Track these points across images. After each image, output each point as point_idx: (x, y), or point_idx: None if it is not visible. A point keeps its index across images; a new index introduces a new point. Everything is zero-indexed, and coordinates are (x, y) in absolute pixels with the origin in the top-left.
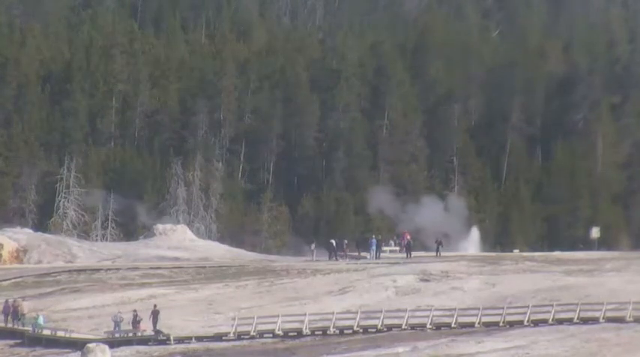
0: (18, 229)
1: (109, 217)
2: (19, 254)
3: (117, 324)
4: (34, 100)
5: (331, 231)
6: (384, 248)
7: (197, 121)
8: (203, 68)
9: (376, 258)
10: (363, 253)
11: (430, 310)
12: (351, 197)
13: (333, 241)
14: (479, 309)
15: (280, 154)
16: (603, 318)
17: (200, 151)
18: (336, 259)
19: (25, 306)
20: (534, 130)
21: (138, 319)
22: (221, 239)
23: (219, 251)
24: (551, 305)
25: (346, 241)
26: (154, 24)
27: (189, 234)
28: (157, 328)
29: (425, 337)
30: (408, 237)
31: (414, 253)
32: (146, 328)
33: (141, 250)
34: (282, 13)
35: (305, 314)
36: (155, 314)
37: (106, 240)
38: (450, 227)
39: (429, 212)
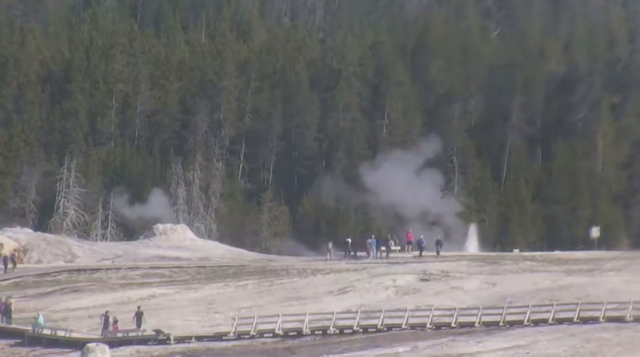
0: (18, 228)
1: (109, 217)
2: (19, 254)
3: (105, 324)
4: (34, 99)
5: (331, 231)
6: (383, 248)
7: (197, 120)
8: (203, 68)
9: (377, 257)
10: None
11: (430, 309)
12: (351, 197)
13: (349, 240)
14: (479, 309)
15: (280, 154)
16: (603, 318)
17: (200, 151)
18: (355, 258)
19: (13, 304)
20: (534, 130)
21: (111, 319)
22: (221, 239)
23: (220, 251)
24: (551, 305)
25: (370, 240)
26: (154, 24)
27: (189, 234)
28: (142, 328)
29: (425, 337)
30: (421, 236)
31: (406, 253)
32: (119, 328)
33: (141, 249)
34: (282, 12)
35: (305, 314)
36: (139, 315)
37: (106, 240)
38: (421, 200)
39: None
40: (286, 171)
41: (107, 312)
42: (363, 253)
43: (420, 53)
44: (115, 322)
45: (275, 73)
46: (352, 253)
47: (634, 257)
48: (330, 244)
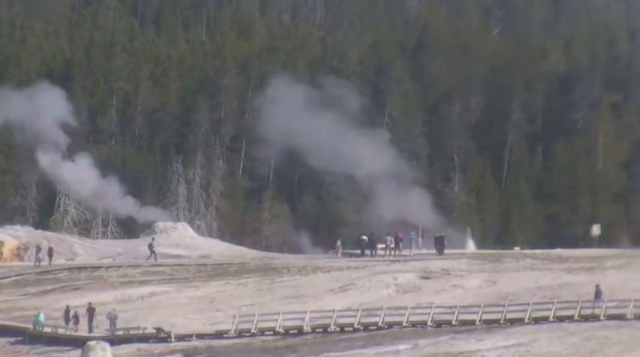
0: (19, 227)
1: (110, 215)
2: (20, 252)
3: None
4: None
5: (332, 229)
6: (379, 246)
7: (198, 119)
8: (204, 66)
9: (396, 255)
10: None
11: (431, 307)
12: (352, 195)
13: (365, 238)
14: (480, 306)
15: (281, 152)
16: (604, 316)
17: (201, 149)
18: (372, 256)
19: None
20: (535, 128)
21: (71, 314)
22: (222, 237)
23: (220, 249)
24: (552, 303)
25: (391, 238)
26: (154, 22)
27: (190, 232)
28: (93, 325)
29: (426, 335)
30: (442, 234)
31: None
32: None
33: (142, 247)
34: (282, 11)
35: (306, 312)
36: (91, 312)
37: (107, 237)
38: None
39: None
40: (287, 169)
41: (68, 306)
42: (380, 252)
43: (420, 51)
44: (75, 316)
45: (275, 72)
46: (371, 252)
47: (635, 255)
48: (339, 242)
